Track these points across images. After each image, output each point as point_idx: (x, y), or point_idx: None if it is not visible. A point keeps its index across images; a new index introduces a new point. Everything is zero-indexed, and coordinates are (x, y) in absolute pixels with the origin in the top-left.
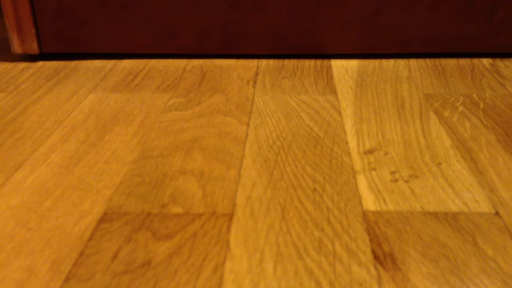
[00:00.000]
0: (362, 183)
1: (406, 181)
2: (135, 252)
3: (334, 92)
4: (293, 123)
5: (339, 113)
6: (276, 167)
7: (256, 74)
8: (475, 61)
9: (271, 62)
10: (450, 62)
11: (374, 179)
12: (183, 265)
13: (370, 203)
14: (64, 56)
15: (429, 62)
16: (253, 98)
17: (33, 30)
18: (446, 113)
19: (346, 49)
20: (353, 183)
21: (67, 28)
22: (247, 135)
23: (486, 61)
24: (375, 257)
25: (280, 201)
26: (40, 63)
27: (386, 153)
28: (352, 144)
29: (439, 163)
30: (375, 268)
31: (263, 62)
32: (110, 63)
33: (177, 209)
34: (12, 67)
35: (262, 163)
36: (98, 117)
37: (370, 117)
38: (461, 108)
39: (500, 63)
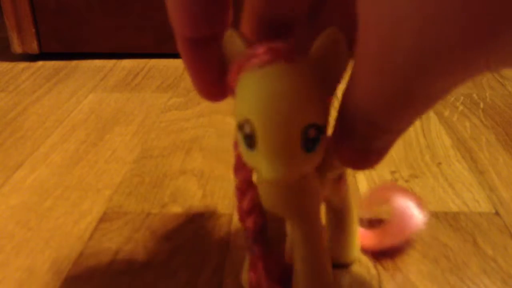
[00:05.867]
0: (362, 182)
1: (406, 181)
2: (135, 252)
3: None
4: None
5: None
6: None
7: None
8: None
9: None
10: None
11: (374, 178)
12: (183, 265)
13: None
14: (64, 56)
15: None
16: None
17: (33, 30)
18: (446, 113)
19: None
20: (353, 182)
21: (67, 28)
22: None
23: None
24: (375, 257)
25: None
26: (40, 63)
27: None
28: None
29: (439, 163)
30: (375, 268)
31: None
32: (110, 63)
33: (177, 209)
34: (12, 67)
35: None
36: (98, 117)
37: None
38: (461, 107)
39: None
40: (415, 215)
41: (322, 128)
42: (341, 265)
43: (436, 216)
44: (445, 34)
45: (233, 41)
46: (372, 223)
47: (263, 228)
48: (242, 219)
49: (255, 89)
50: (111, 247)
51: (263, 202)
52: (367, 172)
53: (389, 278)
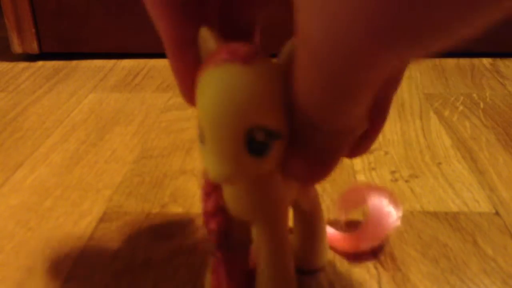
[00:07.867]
0: (362, 182)
1: (406, 181)
2: (135, 252)
3: None
4: None
5: None
6: None
7: None
8: (475, 61)
9: None
10: (450, 62)
11: (374, 178)
12: (183, 265)
13: None
14: (64, 56)
15: (429, 62)
16: None
17: (33, 30)
18: (446, 113)
19: None
20: (353, 182)
21: (67, 28)
22: None
23: (486, 61)
24: (375, 257)
25: None
26: (40, 63)
27: (386, 153)
28: None
29: (439, 163)
30: (375, 268)
31: None
32: (110, 63)
33: (177, 209)
34: (12, 67)
35: None
36: (98, 117)
37: None
38: (461, 107)
39: (500, 63)
40: (391, 213)
41: (274, 133)
42: (311, 271)
43: (436, 216)
44: (352, 35)
45: (206, 39)
46: (349, 226)
47: (227, 233)
48: (206, 221)
49: (206, 86)
50: (111, 247)
51: (227, 204)
52: (367, 172)
53: (389, 278)
